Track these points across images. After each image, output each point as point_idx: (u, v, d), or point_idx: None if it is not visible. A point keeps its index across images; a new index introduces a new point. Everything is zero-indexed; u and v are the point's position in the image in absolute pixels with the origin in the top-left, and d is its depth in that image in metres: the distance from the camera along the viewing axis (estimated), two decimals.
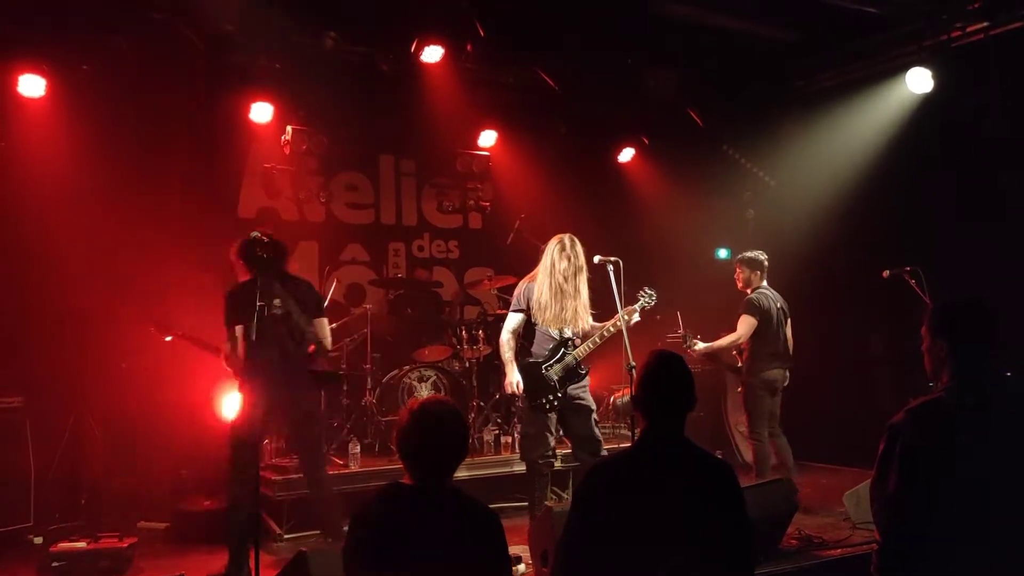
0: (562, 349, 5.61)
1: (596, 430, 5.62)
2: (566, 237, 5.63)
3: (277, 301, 5.21)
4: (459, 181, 9.28)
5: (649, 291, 5.76)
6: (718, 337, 6.82)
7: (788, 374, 6.93)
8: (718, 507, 2.91)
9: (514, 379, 5.55)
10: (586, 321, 5.64)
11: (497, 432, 7.48)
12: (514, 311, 5.69)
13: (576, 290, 5.60)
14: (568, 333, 5.64)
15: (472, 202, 9.34)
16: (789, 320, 7.07)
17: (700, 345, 6.73)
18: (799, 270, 8.42)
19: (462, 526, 2.81)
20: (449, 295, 9.14)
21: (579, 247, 5.60)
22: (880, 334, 8.41)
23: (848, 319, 8.47)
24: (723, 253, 9.77)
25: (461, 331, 7.95)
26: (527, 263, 7.52)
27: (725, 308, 7.49)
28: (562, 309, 5.58)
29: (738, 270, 7.04)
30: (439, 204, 9.50)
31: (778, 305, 6.94)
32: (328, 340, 5.45)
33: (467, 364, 7.95)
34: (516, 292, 5.74)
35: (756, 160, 9.47)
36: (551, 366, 5.59)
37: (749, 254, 7.04)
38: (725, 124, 9.24)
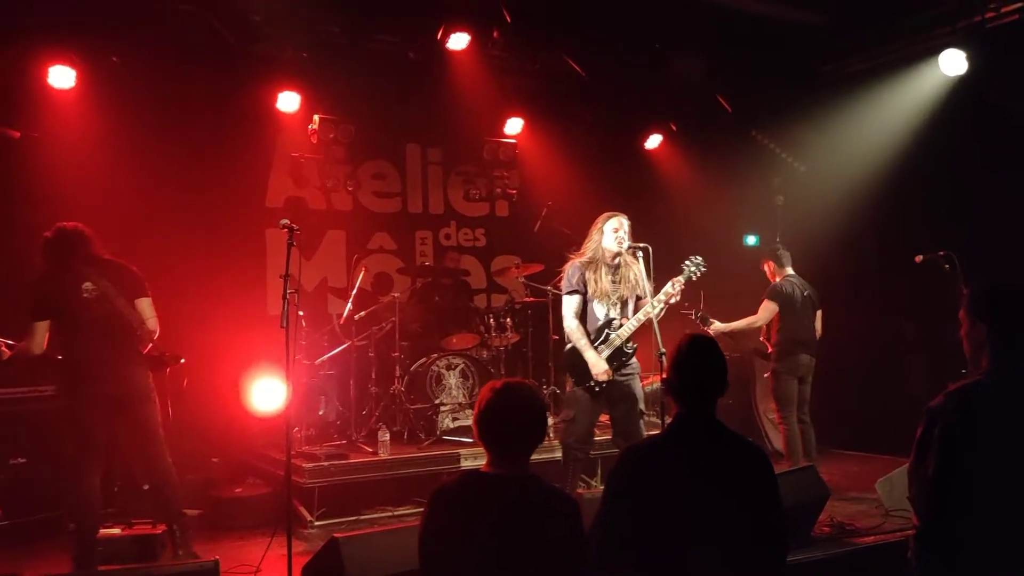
0: (606, 330, 5.56)
1: (640, 424, 5.56)
2: (617, 214, 5.62)
3: (89, 284, 5.06)
4: (486, 169, 9.28)
5: (696, 259, 5.65)
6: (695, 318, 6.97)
7: (814, 361, 6.98)
8: (752, 491, 2.90)
9: (601, 366, 5.46)
10: (646, 294, 5.52)
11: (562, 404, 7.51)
12: (569, 293, 5.59)
13: (627, 265, 5.59)
14: (614, 313, 5.60)
15: (499, 190, 9.33)
16: (819, 310, 7.09)
17: (716, 324, 6.81)
18: (830, 256, 8.36)
19: (542, 513, 2.80)
20: (476, 283, 9.16)
21: (628, 224, 5.59)
22: (913, 321, 8.34)
23: (880, 305, 8.40)
24: (752, 240, 9.72)
25: (489, 319, 7.96)
26: (555, 251, 7.53)
27: (753, 294, 7.47)
28: (612, 285, 5.56)
29: (764, 263, 7.30)
30: (466, 192, 9.51)
31: (805, 293, 7.01)
32: (151, 320, 5.20)
33: (495, 352, 7.96)
34: (566, 273, 5.67)
35: (785, 146, 9.40)
36: (598, 347, 5.56)
37: (773, 248, 7.40)
38: (754, 109, 9.17)
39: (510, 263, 8.90)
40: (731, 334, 7.03)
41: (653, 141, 9.49)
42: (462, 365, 7.63)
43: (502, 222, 9.83)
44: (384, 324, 7.69)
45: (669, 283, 5.48)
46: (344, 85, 7.95)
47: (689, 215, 9.27)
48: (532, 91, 8.80)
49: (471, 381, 7.64)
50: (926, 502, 2.80)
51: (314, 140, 8.07)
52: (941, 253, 6.37)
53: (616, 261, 5.59)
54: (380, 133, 8.81)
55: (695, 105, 9.12)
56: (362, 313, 7.52)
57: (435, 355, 7.61)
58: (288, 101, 7.72)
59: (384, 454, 6.66)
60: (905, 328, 8.40)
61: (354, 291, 7.49)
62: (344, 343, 7.49)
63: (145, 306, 5.23)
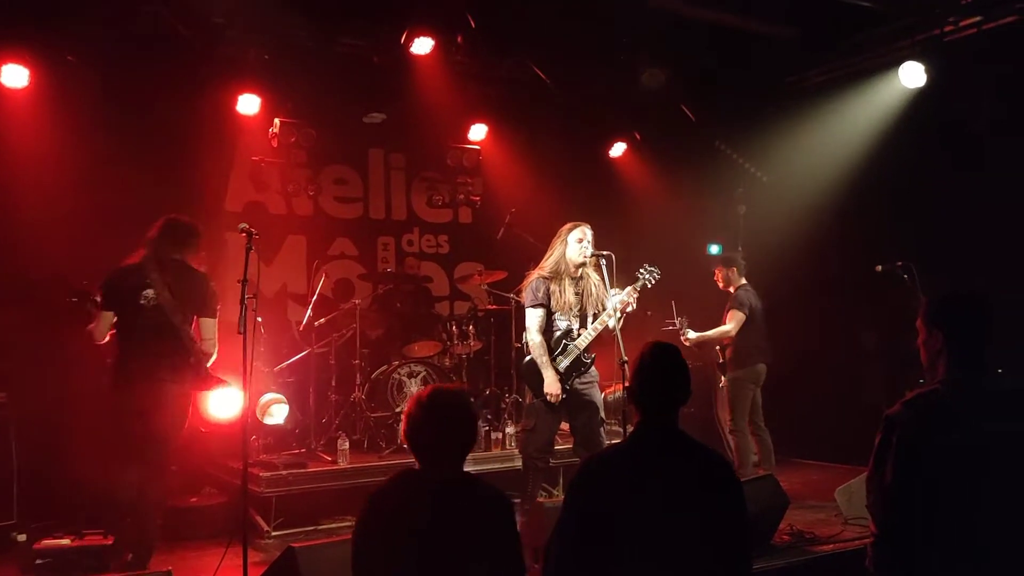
0: (564, 340, 5.60)
1: (600, 432, 5.60)
2: (580, 224, 5.67)
3: (150, 292, 5.04)
4: (449, 175, 9.26)
5: (650, 268, 5.73)
6: (665, 329, 7.12)
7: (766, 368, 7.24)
8: (714, 501, 2.90)
9: (555, 388, 5.51)
10: (607, 306, 5.60)
11: (487, 428, 7.48)
12: (533, 306, 5.64)
13: (587, 277, 5.66)
14: (575, 323, 5.64)
15: (462, 196, 9.31)
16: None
17: (692, 334, 6.89)
18: (791, 266, 8.46)
19: (475, 512, 2.82)
20: (439, 290, 9.13)
21: (591, 234, 5.64)
22: (871, 330, 8.45)
23: (839, 315, 8.50)
24: (715, 249, 9.80)
25: (451, 326, 7.94)
26: (518, 258, 7.55)
27: (716, 303, 7.54)
28: (576, 297, 5.60)
29: (717, 272, 7.32)
30: (429, 198, 9.48)
31: (759, 302, 7.18)
32: (209, 342, 5.16)
33: (457, 360, 7.94)
34: (528, 286, 5.70)
35: (748, 156, 9.49)
36: (556, 358, 5.58)
37: (727, 254, 7.44)
38: (717, 120, 9.25)
39: (473, 270, 8.89)
40: (698, 344, 7.13)
41: (617, 149, 9.53)
42: (424, 373, 7.60)
43: (465, 229, 9.82)
44: (345, 331, 7.64)
45: (624, 291, 5.54)
46: (306, 88, 7.89)
47: (653, 224, 9.32)
48: (496, 97, 8.80)
49: None
50: (883, 510, 2.82)
51: (275, 144, 7.99)
52: (900, 263, 6.47)
53: (579, 273, 5.64)
54: (342, 138, 8.77)
55: (659, 114, 9.18)
56: (322, 320, 7.47)
57: (396, 362, 7.57)
58: (249, 104, 7.64)
59: (343, 463, 6.60)
60: (864, 337, 8.51)
61: (314, 297, 7.44)
62: (304, 350, 7.42)
63: (207, 327, 5.18)
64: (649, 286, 5.72)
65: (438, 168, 9.31)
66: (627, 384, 3.09)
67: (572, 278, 5.63)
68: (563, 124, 9.30)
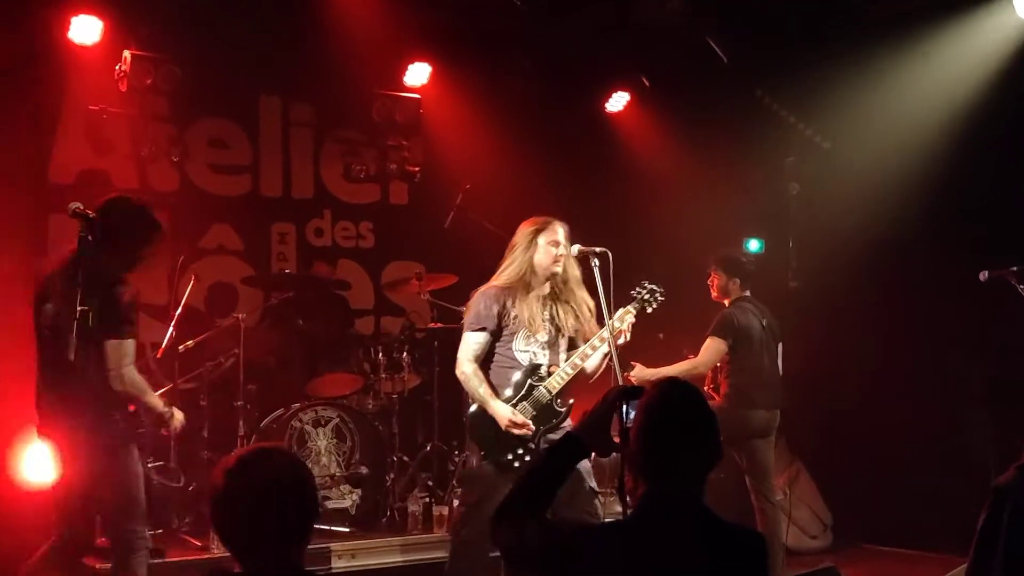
0: (528, 380, 5.60)
1: (597, 508, 5.58)
2: (552, 220, 5.70)
3: (49, 306, 5.14)
4: (376, 136, 9.23)
5: (649, 286, 5.77)
6: (682, 359, 7.21)
7: (777, 417, 7.29)
8: None
9: (507, 414, 5.50)
10: (590, 335, 5.67)
11: (427, 499, 7.43)
12: (474, 330, 5.66)
13: (566, 289, 5.70)
14: (541, 357, 5.64)
15: (395, 166, 9.28)
16: (780, 344, 7.33)
17: (639, 369, 6.90)
18: (861, 269, 8.50)
19: None
20: (360, 300, 9.08)
21: (566, 233, 5.67)
22: (972, 359, 8.48)
23: (928, 339, 8.54)
24: (754, 245, 9.85)
25: (377, 353, 7.92)
26: (473, 256, 7.51)
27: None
28: (544, 319, 5.61)
29: (712, 274, 7.40)
30: (346, 169, 9.43)
31: (763, 322, 7.19)
32: (115, 371, 5.16)
33: (384, 400, 7.93)
34: (474, 302, 5.72)
35: (803, 112, 9.52)
36: (516, 404, 5.59)
37: (727, 253, 7.40)
38: (759, 61, 9.29)
39: (409, 272, 8.82)
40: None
41: (617, 102, 9.56)
42: (336, 420, 7.57)
43: (398, 213, 9.80)
44: (223, 359, 7.58)
45: (616, 315, 5.57)
46: (169, 9, 7.85)
47: (668, 208, 9.35)
48: (445, 26, 8.80)
49: (350, 443, 7.59)
50: None
51: (123, 87, 7.92)
52: (1015, 268, 6.53)
53: (550, 287, 5.66)
54: (221, 79, 8.71)
55: (676, 53, 9.22)
56: (190, 342, 7.41)
57: (297, 405, 7.53)
58: (85, 28, 7.58)
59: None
60: (963, 370, 8.56)
61: (179, 310, 7.36)
62: (163, 386, 7.35)
63: (110, 350, 5.11)
64: (650, 310, 5.75)
65: (360, 125, 9.28)
66: (626, 440, 3.08)
67: (541, 295, 5.65)
68: (540, 65, 9.31)
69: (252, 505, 2.77)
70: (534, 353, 5.66)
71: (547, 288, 5.70)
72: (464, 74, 9.14)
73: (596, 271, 5.55)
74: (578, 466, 5.42)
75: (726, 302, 7.32)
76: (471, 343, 5.68)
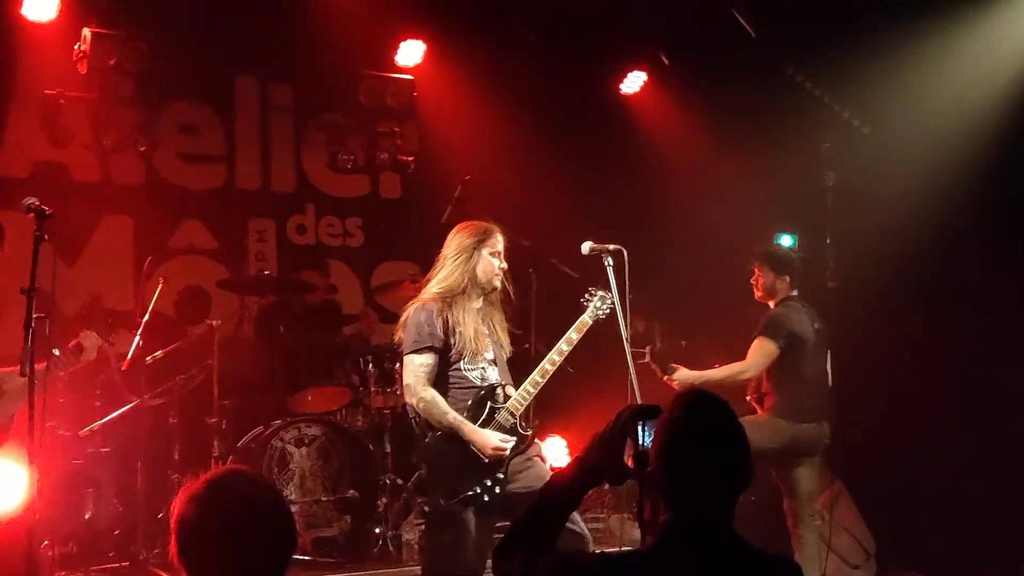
0: (488, 403, 5.58)
1: (580, 523, 5.57)
2: (492, 227, 5.72)
3: None
4: (364, 121, 9.24)
5: (596, 291, 5.74)
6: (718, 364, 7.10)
7: (829, 429, 7.19)
8: None
9: (493, 440, 5.45)
10: (507, 346, 5.75)
11: (424, 527, 7.42)
12: (419, 350, 5.61)
13: (495, 310, 5.76)
14: (492, 375, 5.63)
15: (386, 155, 9.28)
16: (829, 350, 7.27)
17: (683, 372, 6.86)
18: (904, 265, 8.47)
19: None
20: (348, 305, 9.07)
21: (505, 243, 5.73)
22: None
23: (979, 345, 8.52)
24: (787, 241, 9.82)
25: (367, 365, 7.93)
26: None
27: None
28: (485, 331, 5.63)
29: (757, 271, 7.26)
30: (332, 158, 9.44)
31: (815, 326, 7.13)
32: None
33: (375, 417, 7.94)
34: (412, 319, 5.66)
35: (840, 93, 9.51)
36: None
37: (774, 248, 7.29)
38: (790, 35, 9.29)
39: (402, 274, 8.84)
40: (709, 388, 7.09)
41: (632, 82, 9.56)
42: (322, 438, 7.58)
43: (390, 208, 9.86)
44: (195, 371, 7.58)
45: (572, 328, 5.58)
46: None
47: (689, 201, 9.33)
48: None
49: (337, 464, 7.59)
50: None
51: (82, 69, 7.92)
52: None
53: (482, 300, 5.68)
54: (192, 58, 8.74)
55: (698, 26, 9.21)
56: (159, 353, 7.42)
57: (278, 422, 7.54)
58: (40, 4, 7.59)
59: None
60: (1019, 381, 8.55)
61: (146, 317, 7.36)
62: (129, 401, 7.36)
63: None
64: (600, 319, 5.72)
65: (347, 109, 9.30)
66: (642, 460, 3.06)
67: (476, 307, 5.64)
68: (547, 42, 9.31)
69: (223, 533, 2.76)
70: (482, 370, 5.65)
71: (480, 302, 5.70)
72: (462, 52, 9.17)
73: (610, 271, 5.53)
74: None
75: (771, 303, 7.23)
76: (418, 366, 5.58)
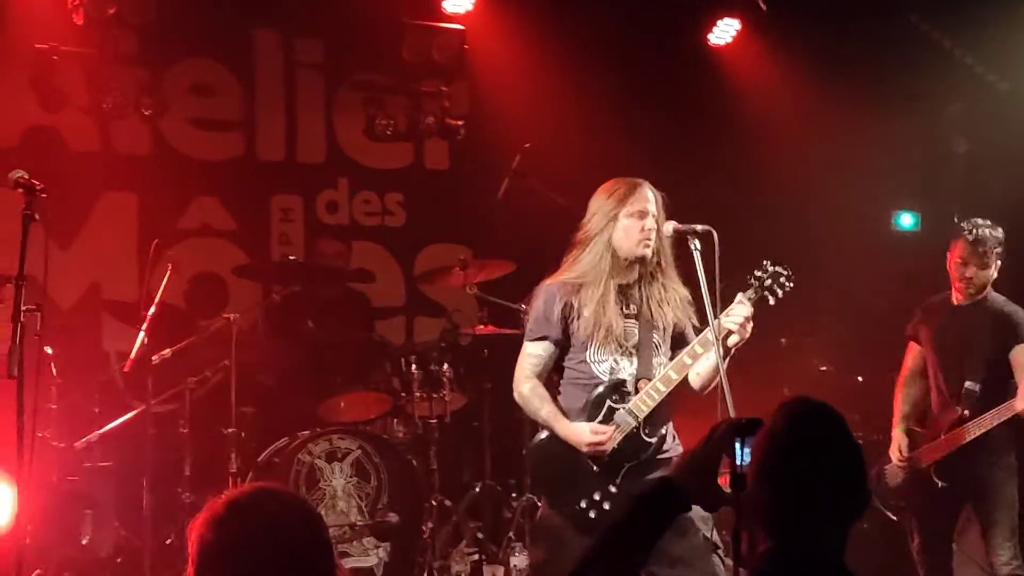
0: (608, 400, 5.55)
1: (716, 561, 5.53)
2: (639, 182, 5.60)
3: None
4: (406, 80, 9.24)
5: (772, 267, 5.62)
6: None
7: None
8: None
9: (583, 434, 5.40)
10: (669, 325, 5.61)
11: (477, 556, 7.44)
12: (534, 339, 5.65)
13: (656, 280, 5.61)
14: (627, 370, 5.58)
15: (432, 119, 9.29)
16: None
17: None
18: None
19: None
20: (387, 296, 9.10)
21: (657, 199, 5.57)
22: None
23: None
24: (908, 220, 9.77)
25: (410, 366, 7.93)
26: (536, 236, 7.51)
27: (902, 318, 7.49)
28: (627, 320, 5.55)
29: (985, 259, 7.02)
30: (369, 124, 9.45)
31: None
32: None
33: (420, 428, 7.94)
34: (535, 302, 5.69)
35: (972, 43, 9.45)
36: None
37: (998, 232, 7.06)
38: None
39: (452, 259, 8.83)
40: None
41: (724, 30, 9.52)
42: (358, 452, 7.56)
43: (437, 180, 9.87)
44: (210, 373, 7.62)
45: (732, 306, 5.46)
46: None
47: (790, 173, 9.30)
48: None
49: (375, 482, 7.57)
50: None
51: (78, 20, 7.97)
52: None
53: (636, 274, 5.58)
54: (205, 7, 8.77)
55: None
56: (167, 351, 7.44)
57: (306, 433, 7.53)
58: None
59: None
60: None
61: (152, 309, 7.40)
62: (133, 408, 7.42)
63: None
64: (773, 300, 5.60)
65: (386, 66, 9.30)
66: (739, 482, 3.04)
67: (622, 285, 5.57)
68: None
69: (249, 562, 2.77)
70: (614, 362, 5.60)
71: (634, 275, 5.62)
72: None
73: (697, 255, 5.45)
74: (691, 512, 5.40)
75: (990, 299, 7.10)
76: (529, 356, 5.64)
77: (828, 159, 9.28)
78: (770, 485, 2.96)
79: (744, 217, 7.55)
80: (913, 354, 7.08)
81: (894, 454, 6.98)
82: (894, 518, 7.24)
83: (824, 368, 7.29)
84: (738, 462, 2.99)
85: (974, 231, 6.84)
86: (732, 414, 5.22)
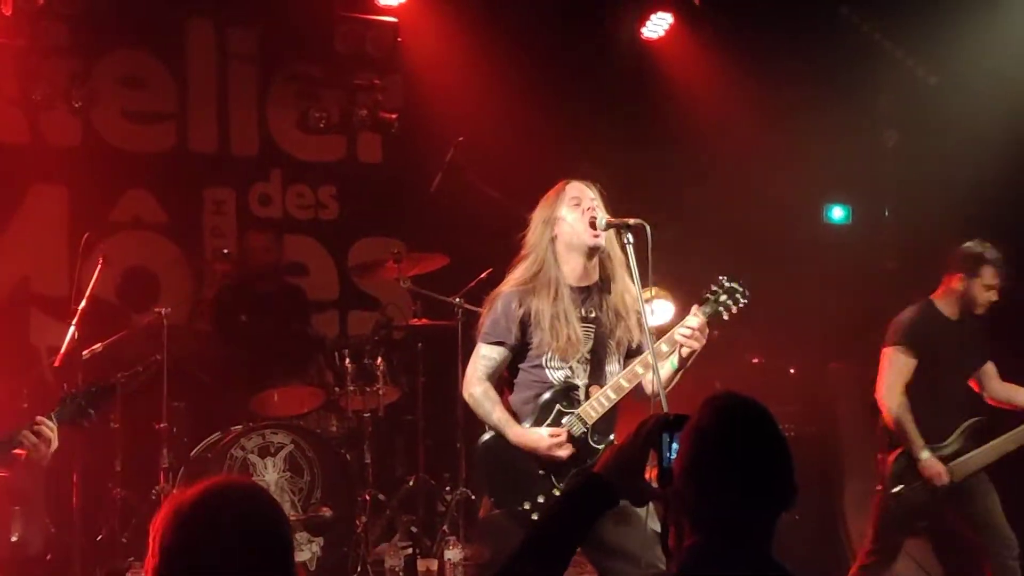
0: (557, 406, 5.55)
1: (655, 550, 5.55)
2: (560, 184, 5.58)
3: None
4: (340, 72, 9.24)
5: (729, 283, 5.59)
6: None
7: None
8: None
9: (540, 440, 5.39)
10: (637, 343, 5.59)
11: (411, 550, 7.44)
12: (489, 342, 5.61)
13: (613, 278, 5.59)
14: (580, 377, 5.58)
15: (365, 112, 9.28)
16: None
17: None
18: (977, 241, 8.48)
19: None
20: (320, 289, 9.08)
21: (592, 190, 5.54)
22: None
23: None
24: (839, 213, 9.83)
25: (343, 360, 7.93)
26: (470, 229, 7.51)
27: (857, 321, 7.52)
28: (584, 325, 5.55)
29: (988, 279, 7.06)
30: (302, 116, 9.44)
31: None
32: None
33: (353, 422, 7.95)
34: (494, 305, 5.64)
35: (902, 37, 9.52)
36: None
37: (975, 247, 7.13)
38: None
39: (385, 252, 8.83)
40: None
41: (656, 25, 9.54)
42: (290, 447, 7.57)
43: (370, 174, 9.86)
44: (141, 368, 7.56)
45: (687, 318, 5.46)
46: None
47: (724, 166, 9.34)
48: None
49: (308, 477, 7.59)
50: None
51: (6, 10, 7.91)
52: None
53: (595, 276, 5.57)
54: None
55: None
56: (98, 346, 7.41)
57: (239, 427, 7.54)
58: None
59: None
60: None
61: (82, 303, 7.36)
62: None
63: None
64: (727, 316, 5.58)
65: (320, 58, 9.31)
66: (666, 477, 3.05)
67: (579, 288, 5.56)
68: None
69: (214, 555, 2.74)
70: (570, 370, 5.60)
71: (593, 277, 5.60)
72: None
73: (629, 249, 5.44)
74: (630, 508, 5.42)
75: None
76: (483, 358, 5.59)
77: (760, 152, 9.32)
78: (696, 480, 2.97)
79: (677, 210, 7.56)
80: (909, 368, 7.07)
81: (943, 477, 6.85)
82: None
83: (756, 360, 7.32)
84: (665, 458, 3.01)
85: (996, 256, 6.97)
86: (665, 409, 5.25)
